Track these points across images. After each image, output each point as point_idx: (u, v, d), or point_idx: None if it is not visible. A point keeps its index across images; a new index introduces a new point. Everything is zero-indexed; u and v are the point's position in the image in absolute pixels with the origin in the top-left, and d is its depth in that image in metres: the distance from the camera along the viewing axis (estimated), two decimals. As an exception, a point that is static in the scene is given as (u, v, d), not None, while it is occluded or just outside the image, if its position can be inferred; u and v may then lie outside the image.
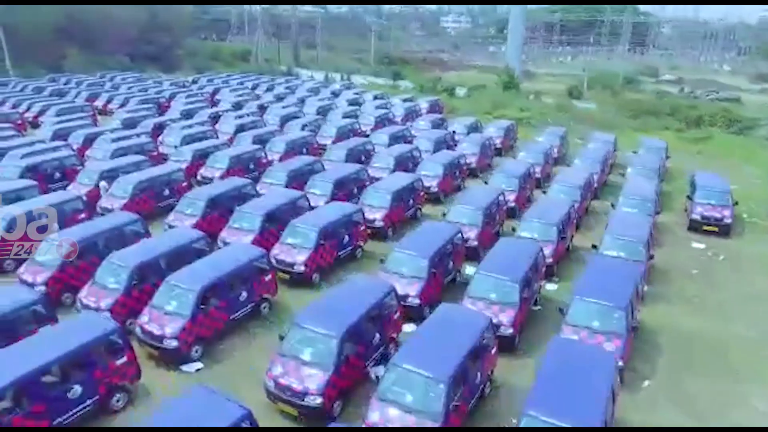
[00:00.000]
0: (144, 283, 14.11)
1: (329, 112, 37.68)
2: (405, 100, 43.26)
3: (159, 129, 32.24)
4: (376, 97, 45.31)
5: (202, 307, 13.00)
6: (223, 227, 18.28)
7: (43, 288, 14.43)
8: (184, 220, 18.74)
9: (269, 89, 50.75)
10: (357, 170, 23.12)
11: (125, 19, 70.61)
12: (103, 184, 21.53)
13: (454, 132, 32.19)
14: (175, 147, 28.08)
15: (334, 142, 30.77)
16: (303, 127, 32.61)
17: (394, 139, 30.48)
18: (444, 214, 19.53)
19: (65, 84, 52.00)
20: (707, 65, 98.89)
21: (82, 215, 18.72)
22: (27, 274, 14.97)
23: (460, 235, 16.99)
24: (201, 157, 25.80)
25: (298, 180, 22.89)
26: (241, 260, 14.26)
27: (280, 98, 44.61)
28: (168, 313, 12.83)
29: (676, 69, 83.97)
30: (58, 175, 23.54)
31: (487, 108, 44.30)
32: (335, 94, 47.06)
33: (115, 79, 55.36)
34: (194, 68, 71.26)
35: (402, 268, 15.02)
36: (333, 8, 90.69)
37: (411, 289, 14.49)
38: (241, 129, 32.11)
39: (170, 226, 18.60)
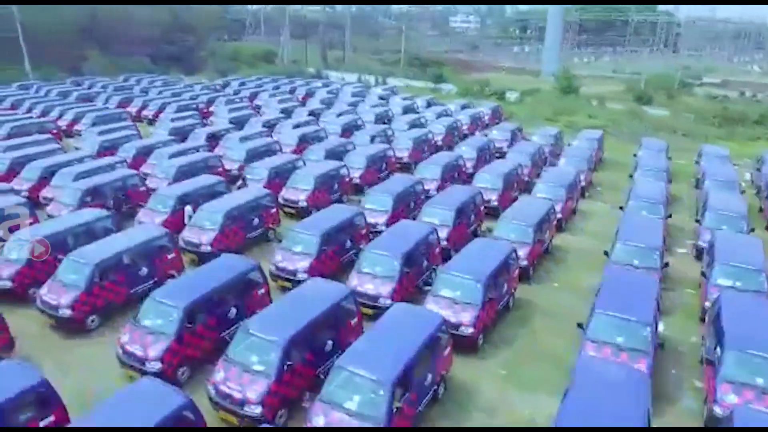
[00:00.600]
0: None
1: (392, 121, 34.52)
2: (464, 107, 40.00)
3: (213, 140, 29.06)
4: (430, 103, 42.14)
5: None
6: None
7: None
8: (296, 261, 15.68)
9: (309, 94, 47.54)
10: (473, 194, 19.81)
11: (146, 19, 67.39)
12: (188, 209, 18.39)
13: (541, 147, 28.77)
14: (240, 162, 24.91)
15: (410, 155, 27.70)
16: (372, 139, 29.36)
17: (482, 152, 27.27)
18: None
19: (89, 87, 48.75)
20: (740, 66, 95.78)
21: (171, 255, 15.46)
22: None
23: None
24: (277, 176, 22.54)
25: (403, 204, 19.76)
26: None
27: (327, 104, 41.39)
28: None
29: (713, 71, 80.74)
30: (121, 198, 20.35)
31: (547, 114, 41.15)
32: (384, 99, 43.90)
33: (142, 82, 52.08)
34: (216, 70, 68.01)
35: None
36: (343, 8, 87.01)
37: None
38: (303, 140, 28.94)
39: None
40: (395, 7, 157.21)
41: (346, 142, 27.84)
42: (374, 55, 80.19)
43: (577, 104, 43.37)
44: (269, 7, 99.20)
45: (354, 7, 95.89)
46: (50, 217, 18.55)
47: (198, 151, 25.72)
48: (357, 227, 17.35)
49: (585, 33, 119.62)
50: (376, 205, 19.33)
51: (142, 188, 21.12)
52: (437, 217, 17.84)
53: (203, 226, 17.37)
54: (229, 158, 25.54)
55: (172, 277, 14.92)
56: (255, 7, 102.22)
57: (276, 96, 44.20)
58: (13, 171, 23.13)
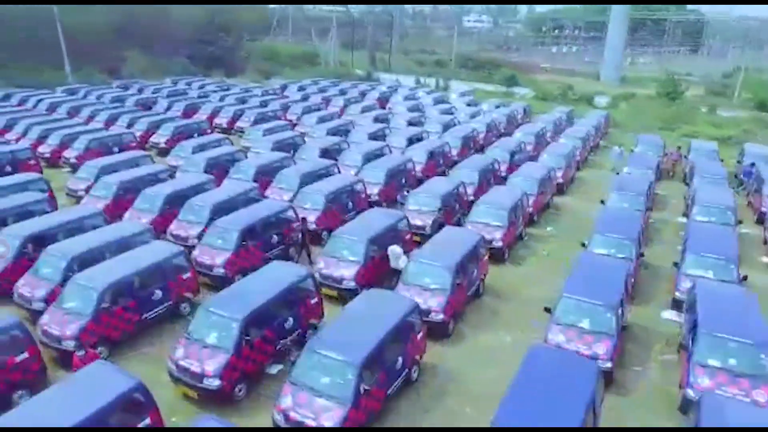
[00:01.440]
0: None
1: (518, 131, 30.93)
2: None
3: (327, 154, 25.17)
4: (525, 110, 38.27)
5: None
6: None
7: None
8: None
9: (384, 97, 43.67)
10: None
11: (182, 18, 63.42)
12: (394, 249, 15.36)
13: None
14: (379, 185, 21.02)
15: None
16: (512, 155, 25.50)
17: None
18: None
19: (140, 91, 44.79)
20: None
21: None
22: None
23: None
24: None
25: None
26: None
27: (413, 109, 37.50)
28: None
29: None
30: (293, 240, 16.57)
31: (656, 123, 37.22)
32: (472, 105, 40.06)
33: (193, 85, 48.14)
34: (258, 72, 64.09)
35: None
36: (383, 8, 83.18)
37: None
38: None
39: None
40: (408, 7, 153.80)
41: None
42: (414, 56, 76.46)
43: (683, 111, 39.42)
44: (292, 6, 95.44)
45: (380, 8, 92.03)
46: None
47: (328, 171, 21.74)
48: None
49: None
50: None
51: (297, 223, 17.16)
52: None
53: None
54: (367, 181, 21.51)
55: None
56: (281, 6, 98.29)
57: (358, 102, 40.25)
58: (122, 199, 19.18)
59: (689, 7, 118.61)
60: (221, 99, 41.12)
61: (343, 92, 46.14)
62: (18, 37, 50.17)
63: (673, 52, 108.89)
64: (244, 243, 15.25)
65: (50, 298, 13.01)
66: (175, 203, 18.28)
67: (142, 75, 56.03)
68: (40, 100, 37.81)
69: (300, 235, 16.72)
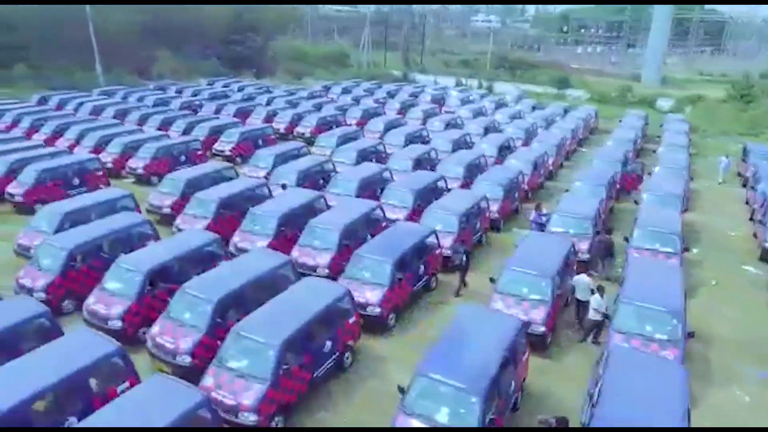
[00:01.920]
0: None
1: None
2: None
3: (420, 165, 23.02)
4: (596, 114, 36.11)
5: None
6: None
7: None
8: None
9: (437, 100, 41.52)
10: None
11: (211, 18, 61.15)
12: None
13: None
14: (498, 200, 18.82)
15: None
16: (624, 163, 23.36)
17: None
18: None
19: (179, 93, 42.57)
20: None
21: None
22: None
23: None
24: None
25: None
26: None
27: (477, 114, 35.33)
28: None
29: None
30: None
31: (735, 127, 35.03)
32: (538, 108, 37.89)
33: (232, 86, 45.84)
34: (289, 72, 61.88)
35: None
36: (416, 7, 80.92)
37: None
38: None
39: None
40: (417, 7, 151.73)
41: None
42: (438, 56, 74.24)
43: (760, 114, 37.22)
44: (310, 6, 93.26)
45: (406, 7, 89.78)
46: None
47: (437, 186, 19.56)
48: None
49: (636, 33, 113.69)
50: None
51: (438, 250, 15.00)
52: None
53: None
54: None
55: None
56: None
57: (414, 105, 38.08)
58: (222, 219, 16.99)
59: (707, 7, 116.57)
60: (269, 102, 38.91)
61: (391, 94, 44.02)
62: (48, 38, 48.02)
63: (697, 53, 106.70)
64: (399, 278, 13.09)
65: (198, 352, 10.85)
66: (289, 225, 16.14)
67: (173, 76, 54.00)
68: (81, 103, 35.61)
69: (464, 258, 14.69)
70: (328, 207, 17.81)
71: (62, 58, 49.10)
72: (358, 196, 19.07)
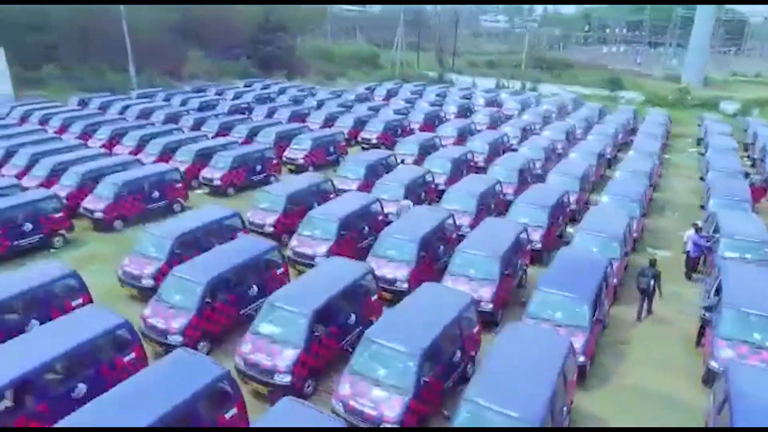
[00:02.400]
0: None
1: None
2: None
3: (522, 175, 21.18)
4: (670, 119, 34.32)
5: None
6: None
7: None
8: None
9: (491, 103, 39.72)
10: None
11: (240, 17, 59.21)
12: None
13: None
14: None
15: None
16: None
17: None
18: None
19: (218, 95, 40.71)
20: None
21: None
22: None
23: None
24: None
25: None
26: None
27: (545, 119, 33.47)
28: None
29: None
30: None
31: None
32: (605, 113, 36.05)
33: (272, 88, 43.95)
34: (320, 73, 59.93)
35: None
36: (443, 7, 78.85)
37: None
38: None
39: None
40: (429, 7, 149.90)
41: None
42: (468, 56, 72.26)
43: None
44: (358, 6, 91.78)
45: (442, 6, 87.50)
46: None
47: (562, 200, 17.70)
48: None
49: (657, 33, 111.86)
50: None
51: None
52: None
53: None
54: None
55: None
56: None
57: (472, 108, 36.20)
58: (342, 241, 15.10)
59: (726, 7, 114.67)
60: (319, 105, 37.00)
61: (441, 96, 42.14)
62: (78, 38, 46.13)
63: (721, 53, 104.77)
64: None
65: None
66: (428, 248, 14.27)
67: (205, 77, 52.11)
68: (126, 106, 33.74)
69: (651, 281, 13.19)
70: (457, 226, 15.99)
71: (92, 59, 47.24)
72: (477, 214, 17.26)
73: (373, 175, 20.87)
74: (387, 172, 20.91)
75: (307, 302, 10.56)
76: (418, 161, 23.91)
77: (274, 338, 10.42)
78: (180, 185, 20.19)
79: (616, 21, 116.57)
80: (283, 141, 26.39)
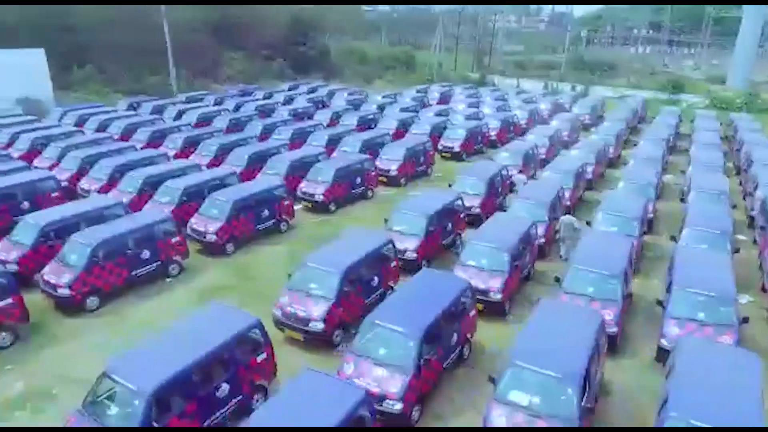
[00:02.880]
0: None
1: None
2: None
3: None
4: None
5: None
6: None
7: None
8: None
9: (557, 107, 37.86)
10: None
11: (272, 17, 57.23)
12: None
13: None
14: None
15: None
16: None
17: None
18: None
19: (268, 98, 38.72)
20: None
21: None
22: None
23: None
24: None
25: None
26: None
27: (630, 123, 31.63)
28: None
29: None
30: None
31: None
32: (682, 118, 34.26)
33: (320, 91, 42.00)
34: (357, 75, 57.98)
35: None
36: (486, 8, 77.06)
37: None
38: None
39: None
40: (437, 7, 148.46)
41: None
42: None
43: None
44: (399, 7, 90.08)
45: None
46: None
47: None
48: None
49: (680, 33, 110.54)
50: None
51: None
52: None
53: None
54: None
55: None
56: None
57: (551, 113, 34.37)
58: (513, 271, 13.18)
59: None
60: (380, 108, 34.99)
61: (500, 99, 40.28)
62: (113, 39, 44.06)
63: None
64: None
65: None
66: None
67: (242, 78, 50.13)
68: (182, 111, 31.74)
69: None
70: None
71: (126, 60, 45.17)
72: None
73: (493, 191, 19.06)
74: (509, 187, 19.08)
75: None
76: (524, 171, 22.20)
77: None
78: (288, 202, 18.26)
79: (636, 22, 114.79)
80: (369, 149, 24.52)
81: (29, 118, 28.75)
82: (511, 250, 13.38)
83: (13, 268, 13.43)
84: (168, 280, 14.85)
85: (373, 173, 21.96)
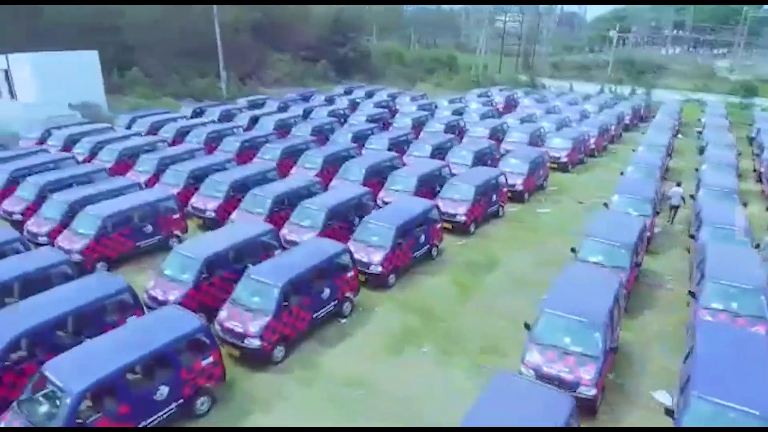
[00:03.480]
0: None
1: None
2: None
3: None
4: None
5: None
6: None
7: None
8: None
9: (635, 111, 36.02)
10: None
11: (314, 17, 55.20)
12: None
13: None
14: None
15: None
16: None
17: None
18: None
19: (328, 101, 36.81)
20: None
21: None
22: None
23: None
24: None
25: None
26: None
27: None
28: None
29: None
30: None
31: None
32: None
33: (378, 95, 39.95)
34: (401, 76, 55.98)
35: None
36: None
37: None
38: None
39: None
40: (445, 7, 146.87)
41: None
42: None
43: None
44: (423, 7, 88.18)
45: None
46: None
47: None
48: None
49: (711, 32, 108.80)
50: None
51: None
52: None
53: None
54: None
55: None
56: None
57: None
58: None
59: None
60: (458, 113, 32.99)
61: (573, 104, 38.37)
62: (164, 41, 42.10)
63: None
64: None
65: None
66: None
67: (289, 81, 48.14)
68: (256, 118, 29.68)
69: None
70: None
71: (174, 62, 43.18)
72: None
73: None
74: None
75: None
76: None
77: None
78: (439, 225, 16.29)
79: (660, 22, 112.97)
80: (483, 162, 22.62)
81: (103, 125, 26.65)
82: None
83: (177, 306, 11.43)
84: (342, 321, 12.85)
85: (505, 189, 19.98)
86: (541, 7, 68.83)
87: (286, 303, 11.15)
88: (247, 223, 14.80)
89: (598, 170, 26.31)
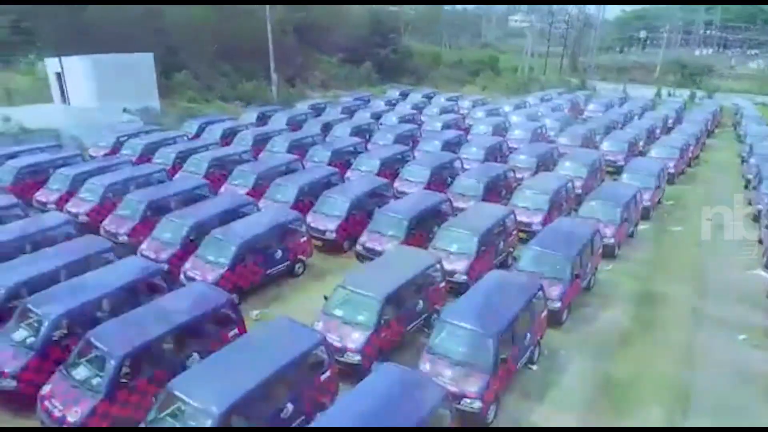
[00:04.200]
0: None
1: None
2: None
3: None
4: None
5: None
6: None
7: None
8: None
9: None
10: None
11: (354, 18, 53.59)
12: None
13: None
14: None
15: None
16: None
17: None
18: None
19: (391, 104, 35.13)
20: None
21: None
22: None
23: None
24: None
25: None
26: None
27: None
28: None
29: None
30: None
31: None
32: None
33: (435, 98, 38.22)
34: (447, 80, 54.24)
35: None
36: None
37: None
38: None
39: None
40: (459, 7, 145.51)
41: None
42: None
43: None
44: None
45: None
46: None
47: None
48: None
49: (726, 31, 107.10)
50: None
51: None
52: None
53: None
54: None
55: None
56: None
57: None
58: None
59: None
60: (533, 118, 31.21)
61: (649, 109, 36.66)
62: (212, 44, 40.57)
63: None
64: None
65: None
66: None
67: (336, 84, 46.53)
68: (328, 125, 27.98)
69: None
70: None
71: (222, 65, 41.65)
72: None
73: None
74: None
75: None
76: None
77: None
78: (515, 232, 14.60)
79: (689, 22, 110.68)
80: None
81: (175, 133, 25.01)
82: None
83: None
84: (533, 367, 11.13)
85: (640, 206, 18.26)
86: (591, 7, 66.71)
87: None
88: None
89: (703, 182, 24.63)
